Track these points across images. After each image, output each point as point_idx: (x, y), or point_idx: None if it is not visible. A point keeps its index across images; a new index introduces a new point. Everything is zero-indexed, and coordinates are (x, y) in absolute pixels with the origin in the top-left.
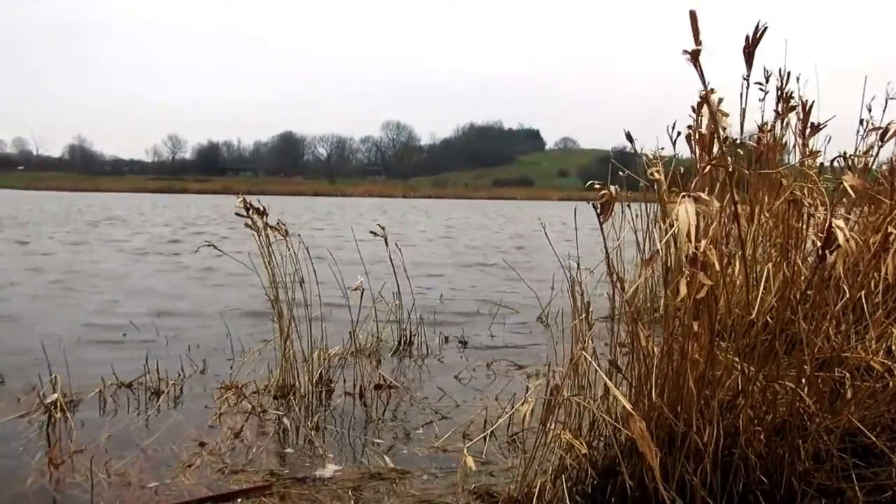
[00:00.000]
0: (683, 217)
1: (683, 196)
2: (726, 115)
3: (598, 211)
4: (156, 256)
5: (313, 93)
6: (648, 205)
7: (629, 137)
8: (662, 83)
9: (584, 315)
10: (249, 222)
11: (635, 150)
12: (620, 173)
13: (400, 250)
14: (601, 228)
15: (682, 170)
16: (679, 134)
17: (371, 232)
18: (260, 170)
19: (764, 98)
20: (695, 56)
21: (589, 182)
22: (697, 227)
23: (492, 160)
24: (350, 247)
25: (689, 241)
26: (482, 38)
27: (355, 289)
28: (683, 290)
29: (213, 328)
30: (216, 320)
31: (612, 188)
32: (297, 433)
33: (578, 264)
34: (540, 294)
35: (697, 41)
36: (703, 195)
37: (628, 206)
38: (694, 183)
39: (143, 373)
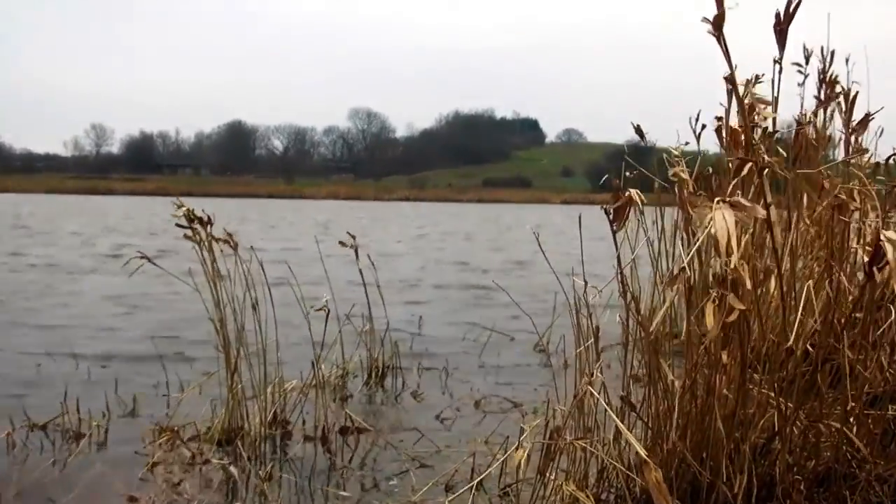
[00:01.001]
0: (721, 227)
1: (719, 202)
2: (767, 102)
3: (611, 217)
4: (76, 272)
5: (266, 74)
6: (666, 210)
7: (639, 132)
8: (695, 65)
9: (590, 343)
10: (190, 233)
11: (648, 145)
12: (629, 174)
13: (373, 264)
14: (614, 238)
15: (709, 169)
16: (704, 127)
17: (340, 242)
18: (203, 167)
19: (803, 83)
20: (717, 25)
21: (603, 178)
22: (735, 238)
23: (481, 156)
24: (312, 260)
25: (727, 255)
26: (469, 7)
27: (319, 310)
28: (710, 316)
29: (145, 359)
30: (148, 350)
31: (633, 191)
32: (246, 485)
33: (585, 282)
34: (538, 318)
35: (721, 4)
36: (744, 200)
37: (641, 212)
38: (731, 186)
39: (61, 412)
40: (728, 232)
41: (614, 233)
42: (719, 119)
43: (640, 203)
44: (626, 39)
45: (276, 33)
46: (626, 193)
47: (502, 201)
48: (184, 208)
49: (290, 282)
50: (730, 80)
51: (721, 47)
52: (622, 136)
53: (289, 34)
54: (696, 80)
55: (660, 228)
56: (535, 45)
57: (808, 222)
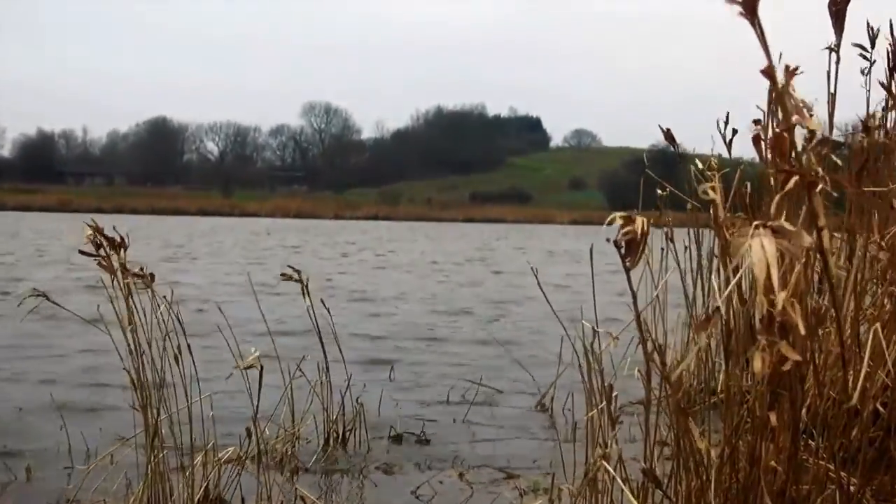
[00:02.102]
0: (759, 258)
1: (757, 227)
2: (808, 108)
3: (622, 251)
4: None
5: (197, 63)
6: (701, 233)
7: (669, 136)
8: (741, 57)
9: (603, 403)
10: (99, 260)
11: (678, 151)
12: (660, 190)
13: (326, 307)
14: (628, 277)
15: (747, 186)
16: (735, 132)
17: (282, 274)
18: (117, 175)
19: (868, 72)
20: (750, 6)
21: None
22: (776, 272)
23: (469, 164)
24: (249, 295)
25: (768, 294)
26: None
27: (248, 367)
28: (759, 365)
29: (45, 418)
30: (45, 408)
31: (640, 220)
32: None
33: (595, 327)
34: (538, 370)
35: None
36: (787, 225)
37: (670, 239)
38: (773, 206)
39: None
40: (768, 265)
41: (627, 270)
42: (757, 123)
43: (649, 230)
44: (653, 25)
45: (211, 14)
46: (639, 220)
47: (495, 220)
48: (89, 232)
49: (223, 324)
50: (768, 73)
51: (756, 33)
52: (645, 139)
53: (229, 16)
54: (740, 74)
55: (693, 257)
56: (539, 24)
57: (876, 250)
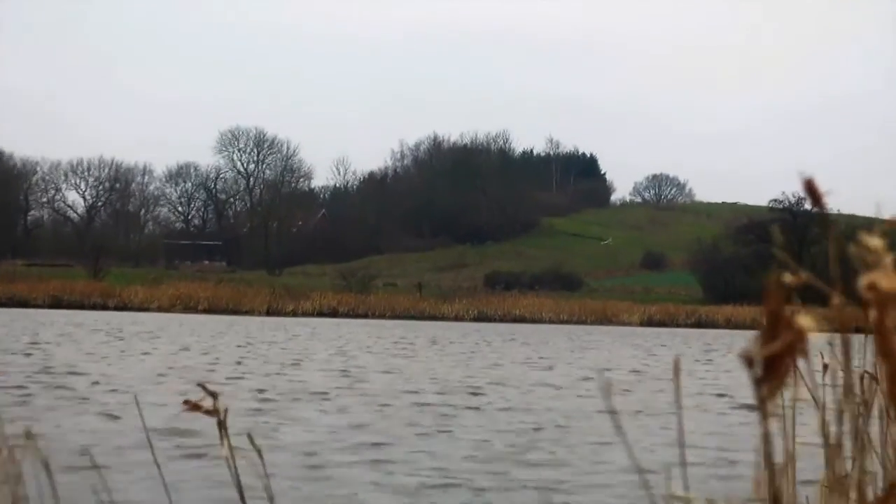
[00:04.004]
0: None
1: None
2: None
3: (758, 375)
4: None
5: (48, 69)
6: (857, 343)
7: (810, 189)
8: None
9: None
10: None
11: (823, 213)
12: (790, 274)
13: (259, 452)
14: (763, 414)
15: None
16: None
17: (185, 402)
18: None
19: None
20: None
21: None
22: None
23: (484, 227)
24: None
25: None
26: None
27: None
28: None
29: None
30: None
31: (805, 321)
32: None
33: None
34: None
35: None
36: None
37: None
38: None
39: None
40: None
41: (763, 404)
42: None
43: (804, 335)
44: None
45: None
46: (792, 317)
47: (524, 319)
48: None
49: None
50: None
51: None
52: (762, 191)
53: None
54: None
55: (839, 380)
56: (591, 20)
57: None
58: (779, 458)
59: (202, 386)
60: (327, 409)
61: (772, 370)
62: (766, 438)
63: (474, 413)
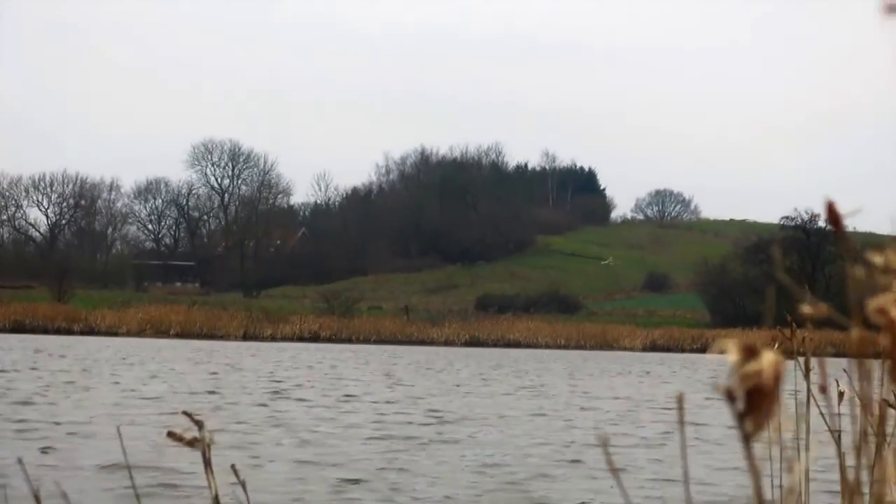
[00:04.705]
0: None
1: None
2: None
3: (739, 410)
4: None
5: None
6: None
7: (831, 213)
8: None
9: None
10: None
11: (837, 230)
12: (800, 302)
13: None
14: (748, 452)
15: None
16: None
17: (170, 434)
18: None
19: None
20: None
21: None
22: None
23: (475, 247)
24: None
25: None
26: None
27: None
28: None
29: None
30: None
31: (772, 358)
32: None
33: None
34: None
35: None
36: None
37: (822, 384)
38: None
39: None
40: None
41: (747, 440)
42: None
43: (780, 378)
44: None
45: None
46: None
47: (517, 345)
48: None
49: None
50: None
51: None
52: (772, 209)
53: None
54: None
55: (855, 411)
56: (594, 34)
57: None
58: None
59: (187, 414)
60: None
61: (755, 407)
62: (755, 475)
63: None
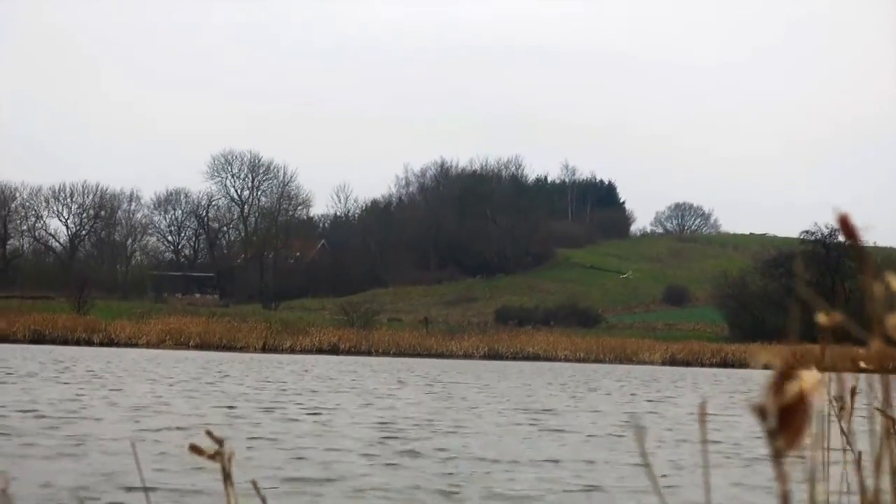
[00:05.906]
0: None
1: None
2: None
3: (770, 426)
4: None
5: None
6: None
7: (846, 227)
8: None
9: None
10: None
11: (852, 242)
12: (822, 314)
13: (264, 501)
14: (779, 473)
15: None
16: None
17: (192, 448)
18: None
19: None
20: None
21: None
22: None
23: (495, 260)
24: None
25: None
26: None
27: None
28: None
29: None
30: None
31: (811, 376)
32: None
33: None
34: None
35: None
36: None
37: (839, 402)
38: None
39: None
40: None
41: (778, 457)
42: None
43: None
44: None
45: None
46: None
47: (537, 358)
48: None
49: None
50: None
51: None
52: (793, 223)
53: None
54: None
55: (876, 429)
56: (611, 43)
57: None
58: None
59: (208, 433)
60: None
61: (788, 422)
62: (785, 497)
63: None
